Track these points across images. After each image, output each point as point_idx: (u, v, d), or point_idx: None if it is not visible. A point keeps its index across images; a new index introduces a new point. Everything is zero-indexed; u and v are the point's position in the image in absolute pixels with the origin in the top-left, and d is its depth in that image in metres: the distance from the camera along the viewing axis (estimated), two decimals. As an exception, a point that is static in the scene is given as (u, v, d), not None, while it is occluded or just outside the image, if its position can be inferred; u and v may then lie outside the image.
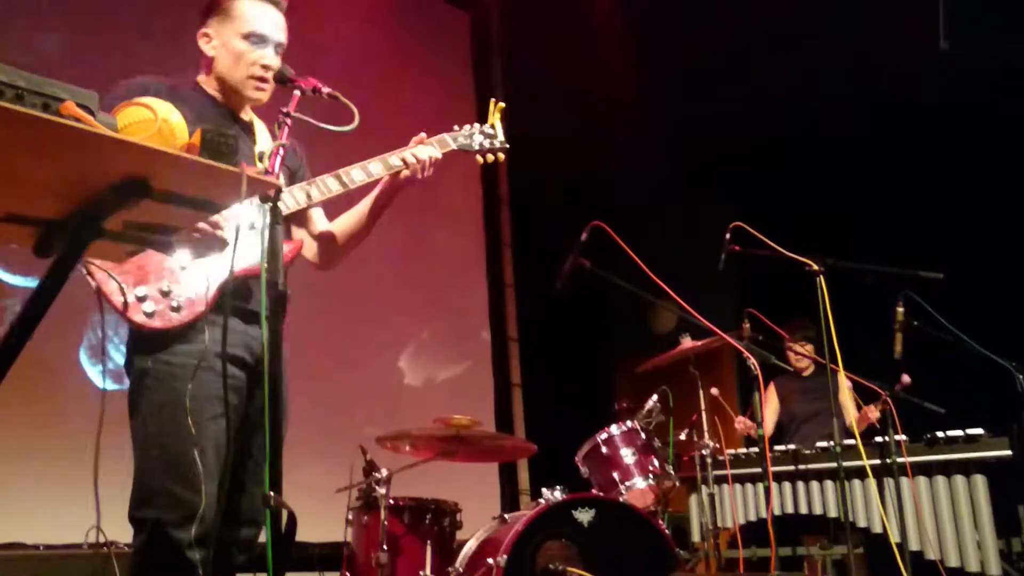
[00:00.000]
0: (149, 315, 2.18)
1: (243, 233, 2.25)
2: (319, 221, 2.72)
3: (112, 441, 2.32)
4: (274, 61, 2.48)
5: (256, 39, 2.46)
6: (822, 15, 6.17)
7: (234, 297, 2.34)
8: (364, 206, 2.69)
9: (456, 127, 2.82)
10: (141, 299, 2.18)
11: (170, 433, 2.18)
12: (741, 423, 4.99)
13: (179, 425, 2.15)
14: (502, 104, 2.93)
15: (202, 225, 2.08)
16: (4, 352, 1.45)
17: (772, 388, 5.44)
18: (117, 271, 2.16)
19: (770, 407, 5.45)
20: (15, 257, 4.38)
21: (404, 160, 2.59)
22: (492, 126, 2.89)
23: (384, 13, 6.47)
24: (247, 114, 2.60)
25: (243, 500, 2.35)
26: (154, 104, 1.52)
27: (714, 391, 4.41)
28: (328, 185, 2.48)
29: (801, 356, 5.14)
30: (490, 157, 2.89)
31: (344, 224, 2.71)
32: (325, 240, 2.71)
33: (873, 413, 4.35)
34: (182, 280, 2.24)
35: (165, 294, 2.21)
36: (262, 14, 2.49)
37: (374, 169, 2.56)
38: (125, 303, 2.15)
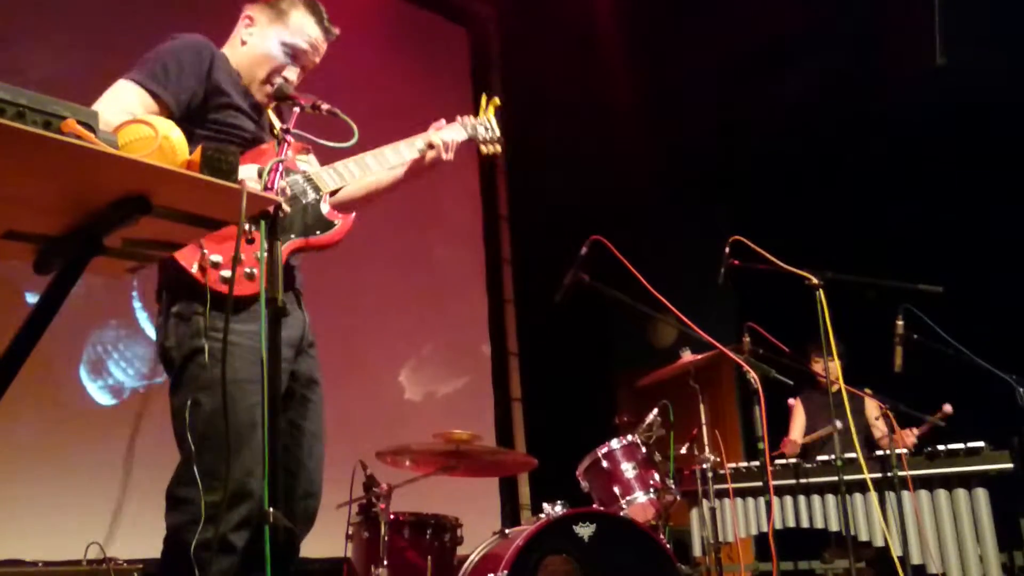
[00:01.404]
0: (226, 280, 2.20)
1: (296, 205, 2.36)
2: None
3: (112, 459, 2.32)
4: (292, 77, 2.52)
5: (292, 53, 2.51)
6: (821, 28, 6.20)
7: (289, 273, 2.42)
8: (378, 180, 2.73)
9: (459, 117, 2.90)
10: (216, 265, 2.21)
11: (224, 414, 2.07)
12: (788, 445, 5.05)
13: (234, 405, 2.13)
14: (497, 100, 3.02)
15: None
16: (4, 369, 1.46)
17: (799, 403, 5.43)
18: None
19: (798, 421, 5.43)
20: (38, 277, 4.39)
21: (431, 143, 2.69)
22: (488, 120, 2.98)
23: (382, 29, 6.49)
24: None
25: (301, 474, 2.47)
26: (155, 121, 1.53)
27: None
28: (368, 163, 2.58)
29: (819, 374, 5.15)
30: (491, 148, 2.97)
31: (350, 192, 2.73)
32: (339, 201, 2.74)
33: (909, 438, 4.33)
34: (252, 250, 2.27)
35: (238, 262, 2.22)
36: (310, 34, 2.55)
37: (404, 151, 2.67)
38: (202, 268, 2.18)
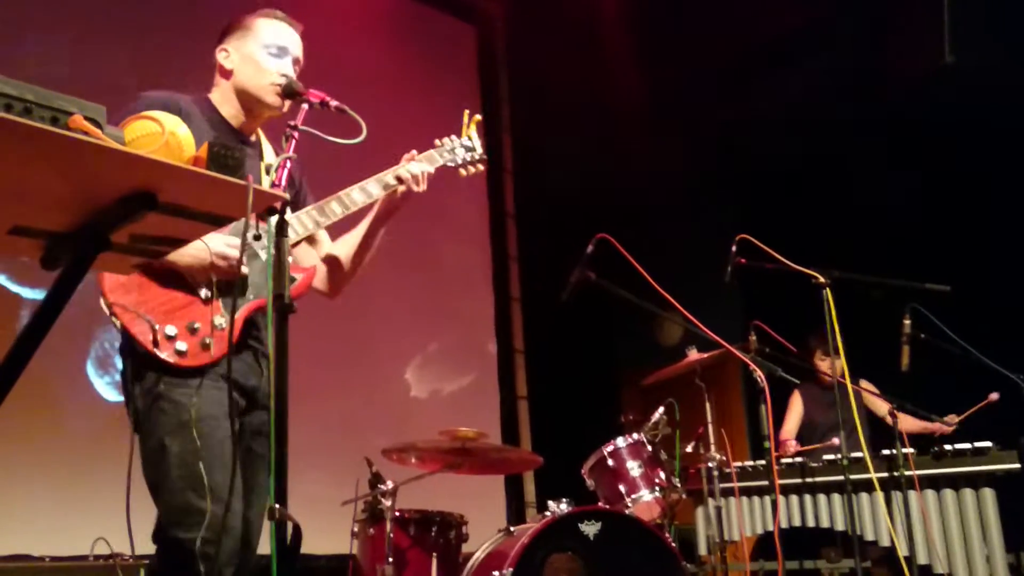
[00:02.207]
0: (182, 354, 2.22)
1: (256, 265, 2.35)
2: (326, 244, 2.72)
3: (118, 454, 2.33)
4: (292, 73, 2.53)
5: (277, 51, 2.54)
6: (828, 27, 6.18)
7: (248, 329, 2.39)
8: (363, 227, 2.69)
9: (438, 141, 2.81)
10: (171, 338, 2.22)
11: (193, 452, 2.19)
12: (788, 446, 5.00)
13: (201, 444, 2.18)
14: (478, 117, 2.92)
15: (222, 260, 2.20)
16: (11, 364, 1.46)
17: (797, 396, 5.40)
18: (143, 310, 2.21)
19: (794, 414, 5.41)
20: (26, 269, 4.41)
21: (399, 177, 2.61)
22: (469, 138, 2.87)
23: (390, 27, 6.49)
24: (256, 135, 2.62)
25: (240, 525, 2.36)
26: (161, 117, 1.52)
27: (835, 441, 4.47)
28: (333, 208, 2.51)
29: (823, 370, 5.14)
30: (471, 170, 2.87)
31: (346, 247, 2.70)
32: (331, 265, 2.71)
33: (946, 427, 4.30)
34: (208, 316, 2.29)
35: (193, 331, 2.25)
36: (282, 30, 2.59)
37: (372, 189, 2.59)
38: (156, 342, 2.20)
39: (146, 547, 2.31)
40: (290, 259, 2.42)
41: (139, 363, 2.28)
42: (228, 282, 2.29)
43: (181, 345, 2.22)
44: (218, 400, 2.24)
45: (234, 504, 2.18)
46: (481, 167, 2.89)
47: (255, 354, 2.47)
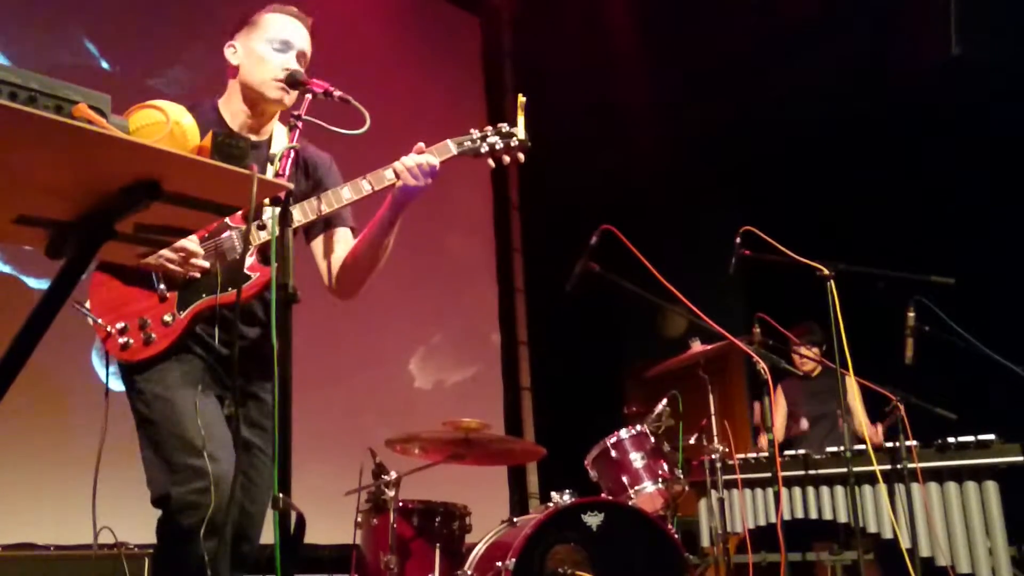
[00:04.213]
0: (124, 347, 2.34)
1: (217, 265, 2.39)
2: (345, 243, 2.64)
3: (122, 444, 2.35)
4: (295, 66, 2.50)
5: (280, 45, 2.51)
6: (833, 20, 6.15)
7: (206, 325, 2.41)
8: (371, 228, 2.57)
9: (473, 131, 2.60)
10: (122, 331, 2.34)
11: (171, 416, 2.31)
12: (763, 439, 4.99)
13: (178, 408, 2.30)
14: (523, 99, 2.68)
15: (175, 253, 2.25)
16: (16, 353, 1.46)
17: (780, 391, 5.43)
18: (108, 305, 2.35)
19: (779, 410, 5.43)
20: (30, 258, 4.42)
21: (394, 170, 2.46)
22: (515, 124, 2.62)
23: (394, 17, 6.48)
24: (264, 134, 2.59)
25: (240, 519, 2.41)
26: (166, 107, 1.52)
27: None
28: (315, 206, 2.45)
29: (806, 359, 5.14)
30: (505, 159, 2.61)
31: (357, 250, 2.62)
32: (346, 266, 2.62)
33: (876, 438, 4.32)
34: (160, 311, 2.36)
35: (142, 327, 2.34)
36: (286, 24, 2.56)
37: (364, 185, 2.46)
38: (108, 335, 2.34)
39: (152, 536, 2.33)
40: (250, 260, 2.42)
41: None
42: (188, 280, 2.36)
43: (127, 340, 2.34)
44: (187, 371, 2.36)
45: (221, 455, 2.25)
46: (521, 156, 2.63)
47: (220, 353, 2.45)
